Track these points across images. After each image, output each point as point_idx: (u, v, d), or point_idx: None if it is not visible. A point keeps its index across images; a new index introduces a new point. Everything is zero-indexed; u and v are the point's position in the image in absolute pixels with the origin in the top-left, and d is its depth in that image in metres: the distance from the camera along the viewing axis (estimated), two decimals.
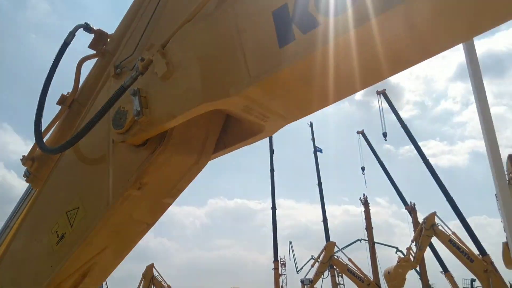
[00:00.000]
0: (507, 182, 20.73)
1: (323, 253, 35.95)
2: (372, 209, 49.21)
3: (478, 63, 7.04)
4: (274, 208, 48.79)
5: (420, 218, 34.92)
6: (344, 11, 2.06)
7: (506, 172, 21.18)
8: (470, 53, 6.99)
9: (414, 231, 34.86)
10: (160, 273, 38.85)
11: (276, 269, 45.84)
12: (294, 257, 55.61)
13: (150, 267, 38.89)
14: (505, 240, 19.11)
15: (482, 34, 2.26)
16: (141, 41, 3.16)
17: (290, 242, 58.15)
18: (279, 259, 47.94)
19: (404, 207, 46.27)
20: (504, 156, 22.18)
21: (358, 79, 2.44)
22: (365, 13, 1.99)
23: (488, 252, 29.04)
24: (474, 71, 7.00)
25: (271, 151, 51.50)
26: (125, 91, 2.92)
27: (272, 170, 51.14)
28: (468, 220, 36.54)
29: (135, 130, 2.89)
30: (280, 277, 47.54)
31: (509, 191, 6.96)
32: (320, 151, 54.50)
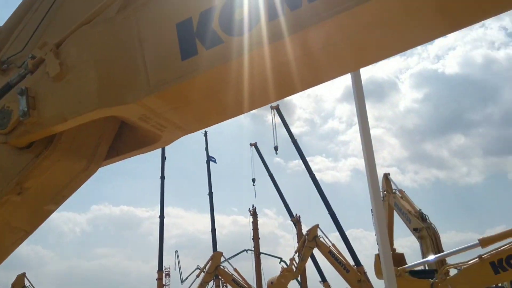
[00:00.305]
0: (382, 198, 22.55)
1: (209, 263, 35.93)
2: (260, 220, 50.36)
3: (362, 88, 7.64)
4: (162, 217, 47.80)
5: (304, 230, 36.47)
6: (247, 33, 2.15)
7: (381, 189, 23.15)
8: (356, 78, 7.56)
9: (298, 242, 36.37)
10: (32, 283, 35.87)
11: (159, 279, 44.75)
12: (179, 267, 54.67)
13: (21, 277, 35.68)
14: (377, 252, 20.72)
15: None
16: (33, 37, 2.97)
17: (176, 252, 57.16)
18: (163, 269, 46.96)
19: (290, 219, 48.16)
20: (380, 174, 24.22)
21: (258, 96, 2.55)
22: (266, 36, 2.10)
23: (363, 263, 31.30)
24: (358, 95, 7.56)
25: (163, 158, 50.55)
26: (11, 89, 2.72)
27: (162, 178, 50.14)
28: (347, 232, 39.11)
29: (19, 132, 2.70)
30: (164, 287, 46.53)
31: (382, 207, 7.62)
32: (214, 161, 54.71)
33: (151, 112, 2.60)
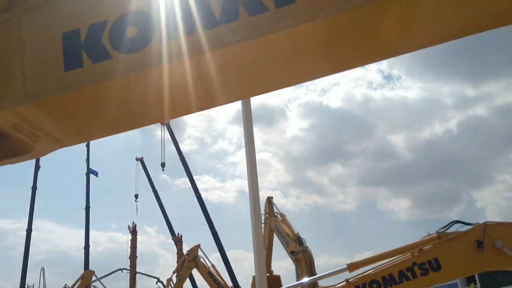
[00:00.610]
0: (263, 221, 23.00)
1: (78, 282, 33.67)
2: (139, 237, 48.47)
3: (251, 112, 7.83)
4: (29, 230, 44.00)
5: (186, 249, 36.08)
6: (137, 51, 2.13)
7: (263, 212, 23.69)
8: (246, 103, 7.74)
9: (178, 262, 35.75)
10: None
11: None
12: (44, 286, 50.60)
13: None
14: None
15: None
16: None
17: (43, 269, 52.82)
18: (26, 287, 43.07)
19: (171, 237, 47.23)
20: (264, 197, 24.82)
21: (145, 115, 2.52)
22: (157, 57, 2.10)
23: (241, 284, 31.68)
24: (247, 119, 7.73)
25: (37, 167, 46.77)
26: None
27: (34, 188, 46.33)
28: (228, 253, 39.47)
29: None
30: None
31: (261, 229, 7.79)
32: (96, 174, 51.95)
33: (25, 121, 2.43)
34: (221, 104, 2.57)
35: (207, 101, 2.49)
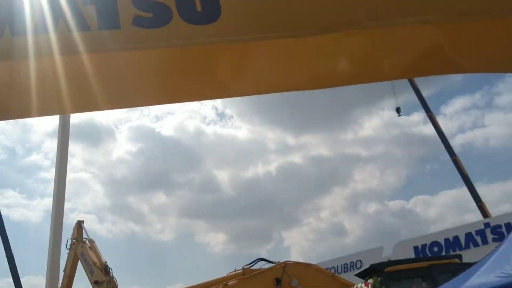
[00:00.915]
0: (68, 247, 21.33)
1: None
2: None
3: (69, 128, 7.31)
4: None
5: None
6: None
7: (71, 237, 22.01)
8: (64, 118, 7.20)
9: None
10: None
11: None
12: None
13: None
14: None
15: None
16: None
17: None
18: None
19: None
20: (75, 220, 23.15)
21: None
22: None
23: None
24: (63, 134, 7.19)
25: None
26: None
27: None
28: (24, 279, 35.37)
29: None
30: None
31: (59, 255, 7.16)
32: None
33: None
34: (46, 115, 2.50)
35: (20, 110, 2.28)
